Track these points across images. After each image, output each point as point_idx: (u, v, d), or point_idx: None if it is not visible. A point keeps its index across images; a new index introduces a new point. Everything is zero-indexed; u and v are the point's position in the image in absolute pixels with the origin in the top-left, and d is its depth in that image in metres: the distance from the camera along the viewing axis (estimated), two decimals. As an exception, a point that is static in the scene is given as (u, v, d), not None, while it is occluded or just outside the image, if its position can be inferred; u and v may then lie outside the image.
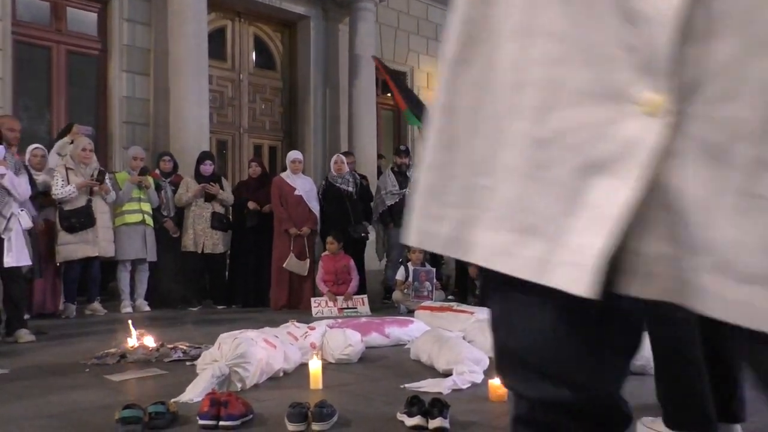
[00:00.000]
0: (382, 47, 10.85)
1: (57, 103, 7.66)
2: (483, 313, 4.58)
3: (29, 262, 4.80)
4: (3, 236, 4.53)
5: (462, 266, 6.88)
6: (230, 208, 6.94)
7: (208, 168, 6.78)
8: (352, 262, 6.51)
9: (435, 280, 6.67)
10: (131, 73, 7.94)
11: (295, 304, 6.50)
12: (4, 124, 5.27)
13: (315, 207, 6.72)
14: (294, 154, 6.96)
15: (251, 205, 6.72)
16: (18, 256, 4.61)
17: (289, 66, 9.87)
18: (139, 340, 3.93)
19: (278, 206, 6.56)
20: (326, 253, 6.50)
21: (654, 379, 2.10)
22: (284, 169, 6.99)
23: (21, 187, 4.75)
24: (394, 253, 7.10)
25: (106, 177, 6.14)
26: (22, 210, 4.72)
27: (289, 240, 6.51)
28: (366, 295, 6.38)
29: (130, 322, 4.09)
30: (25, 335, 4.56)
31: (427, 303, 5.65)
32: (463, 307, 4.99)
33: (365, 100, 9.86)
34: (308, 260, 6.55)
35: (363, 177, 7.58)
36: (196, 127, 7.82)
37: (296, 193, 6.61)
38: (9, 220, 4.58)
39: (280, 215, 6.55)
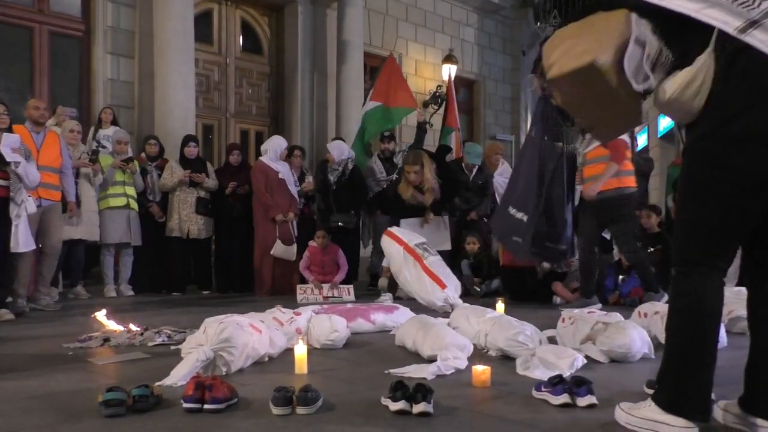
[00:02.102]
0: (371, 33, 10.79)
1: (39, 85, 7.54)
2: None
3: (33, 247, 4.99)
4: (15, 222, 4.71)
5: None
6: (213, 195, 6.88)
7: (192, 150, 6.73)
8: (340, 252, 6.51)
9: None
10: (116, 56, 7.83)
11: (281, 290, 6.49)
12: (29, 106, 5.37)
13: (294, 191, 6.71)
14: (284, 143, 6.91)
15: (229, 188, 6.66)
16: (25, 242, 4.80)
17: (277, 51, 9.78)
18: (125, 326, 3.92)
19: (264, 193, 6.50)
20: (313, 243, 6.46)
21: (749, 361, 2.06)
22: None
23: (32, 174, 4.81)
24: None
25: (99, 156, 6.17)
26: (29, 196, 4.80)
27: (273, 226, 6.47)
28: (351, 285, 6.37)
29: (103, 314, 4.03)
30: (4, 314, 4.72)
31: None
32: None
33: (353, 86, 9.81)
34: (295, 245, 6.55)
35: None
36: (182, 111, 7.75)
37: (280, 177, 6.58)
38: (19, 206, 4.73)
39: (266, 202, 6.49)
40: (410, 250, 5.02)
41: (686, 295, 1.98)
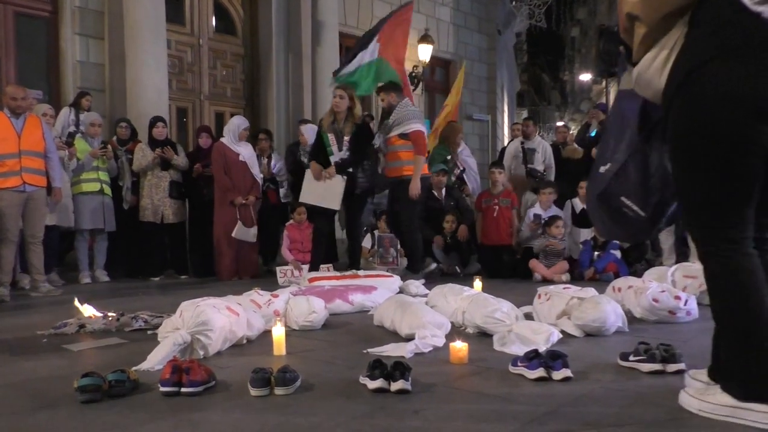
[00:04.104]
0: (346, 13, 10.68)
1: (5, 68, 7.33)
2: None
3: None
4: None
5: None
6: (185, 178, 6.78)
7: (161, 131, 6.63)
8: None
9: (399, 247, 6.72)
10: (85, 37, 7.64)
11: (243, 273, 6.43)
12: (7, 93, 5.25)
13: (257, 173, 6.61)
14: (243, 123, 6.67)
15: (196, 171, 6.60)
16: None
17: (251, 32, 9.63)
18: (101, 311, 3.87)
19: (222, 175, 6.38)
20: (291, 222, 6.46)
21: (716, 331, 1.99)
22: (249, 138, 6.85)
23: None
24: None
25: (75, 139, 6.07)
26: None
27: (233, 208, 6.38)
28: (332, 264, 6.37)
29: (76, 300, 3.99)
30: None
31: (321, 274, 5.50)
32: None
33: (329, 67, 9.68)
34: (255, 227, 6.47)
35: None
36: (155, 93, 7.61)
37: (240, 159, 6.48)
38: None
39: (224, 185, 6.36)
40: (340, 277, 5.09)
41: (723, 277, 1.85)
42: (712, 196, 1.84)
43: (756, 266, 1.83)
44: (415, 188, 5.70)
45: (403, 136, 5.75)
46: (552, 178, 7.51)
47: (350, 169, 5.84)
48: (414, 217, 5.94)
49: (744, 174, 1.79)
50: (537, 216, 6.46)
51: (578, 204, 6.61)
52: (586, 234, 6.44)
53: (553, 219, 6.14)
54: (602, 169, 2.19)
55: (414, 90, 11.65)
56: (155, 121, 6.71)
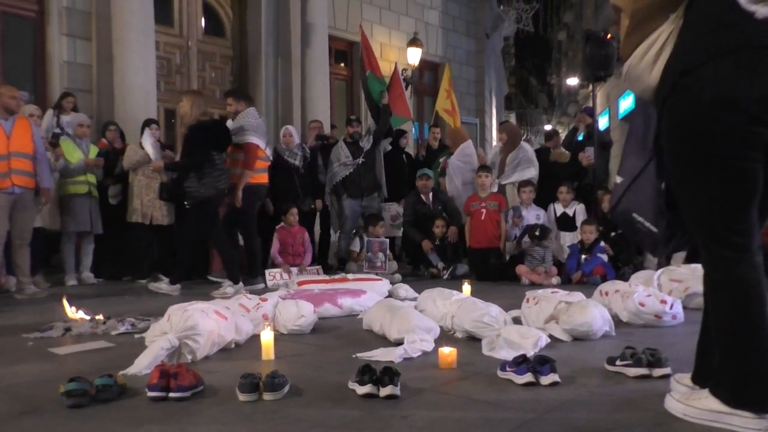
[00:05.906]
0: (335, 16, 10.68)
1: (-9, 68, 7.27)
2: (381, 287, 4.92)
3: None
4: None
5: (412, 238, 6.95)
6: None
7: (155, 133, 6.59)
8: (306, 235, 6.50)
9: (388, 251, 6.74)
10: (72, 37, 7.58)
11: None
12: (4, 94, 5.23)
13: None
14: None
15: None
16: None
17: (240, 33, 9.61)
18: (88, 314, 3.84)
19: None
20: (282, 224, 6.43)
21: (701, 336, 2.00)
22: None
23: None
24: (348, 225, 7.10)
25: (59, 140, 6.01)
26: None
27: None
28: (320, 266, 6.38)
29: (64, 300, 3.96)
30: None
31: (310, 277, 5.56)
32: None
33: (318, 70, 9.71)
34: None
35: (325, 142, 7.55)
36: (143, 94, 7.57)
37: None
38: None
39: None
40: (330, 281, 5.06)
41: (725, 286, 1.83)
42: (712, 202, 1.80)
43: (761, 276, 1.80)
44: (238, 199, 5.74)
45: (238, 145, 5.75)
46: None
47: (173, 175, 5.70)
48: (251, 225, 5.94)
49: (744, 178, 1.75)
50: (516, 209, 6.58)
51: (559, 208, 6.69)
52: (570, 237, 6.49)
53: (545, 232, 6.14)
54: (618, 179, 2.16)
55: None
56: (148, 123, 6.67)
